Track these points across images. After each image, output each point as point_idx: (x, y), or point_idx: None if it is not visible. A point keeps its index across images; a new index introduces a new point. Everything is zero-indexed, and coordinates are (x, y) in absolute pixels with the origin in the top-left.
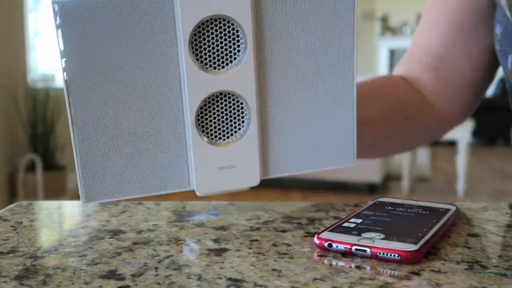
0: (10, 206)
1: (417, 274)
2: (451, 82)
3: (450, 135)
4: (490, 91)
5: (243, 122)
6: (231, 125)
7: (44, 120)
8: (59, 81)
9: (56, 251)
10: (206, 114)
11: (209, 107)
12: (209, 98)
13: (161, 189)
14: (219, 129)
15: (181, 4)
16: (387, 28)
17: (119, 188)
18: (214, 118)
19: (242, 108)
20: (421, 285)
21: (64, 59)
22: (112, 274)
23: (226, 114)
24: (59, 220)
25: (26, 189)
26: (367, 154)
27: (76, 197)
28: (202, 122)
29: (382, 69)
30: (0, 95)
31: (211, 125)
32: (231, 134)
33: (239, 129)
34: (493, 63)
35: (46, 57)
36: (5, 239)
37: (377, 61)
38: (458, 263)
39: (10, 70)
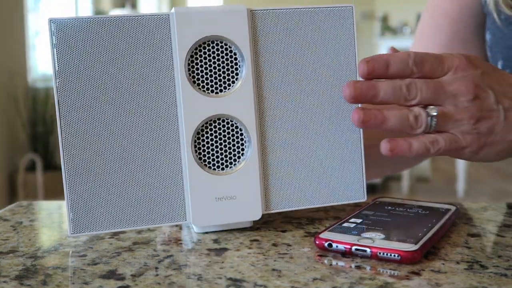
0: (10, 206)
1: (417, 274)
2: None
3: None
4: None
5: (242, 150)
6: (229, 153)
7: (44, 120)
8: None
9: (56, 251)
10: (203, 141)
11: (207, 132)
12: (206, 123)
13: (154, 222)
14: (217, 156)
15: (178, 24)
16: (387, 28)
17: (108, 220)
18: (212, 145)
19: (241, 134)
20: (421, 285)
21: (58, 80)
22: (112, 274)
23: (225, 141)
24: (59, 220)
25: (26, 189)
26: (375, 176)
27: None
28: (199, 149)
29: None
30: (0, 95)
31: (208, 152)
32: (230, 163)
33: (239, 157)
34: None
35: (46, 57)
36: (5, 239)
37: None
38: (458, 263)
39: (10, 70)
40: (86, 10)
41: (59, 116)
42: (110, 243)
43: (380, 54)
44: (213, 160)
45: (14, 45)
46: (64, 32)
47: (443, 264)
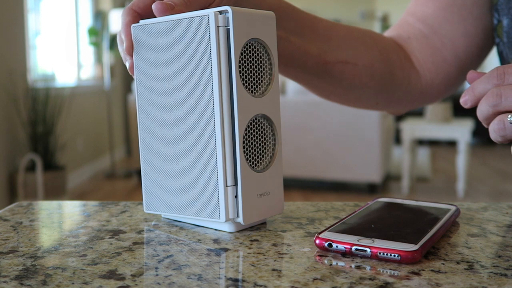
0: (10, 206)
1: (417, 274)
2: (441, 55)
3: (450, 135)
4: None
5: (274, 147)
6: (264, 150)
7: (44, 120)
8: (59, 81)
9: (56, 251)
10: (247, 140)
11: (250, 132)
12: (249, 123)
13: (202, 216)
14: (255, 155)
15: (234, 24)
16: (387, 28)
17: (167, 205)
18: (252, 143)
19: (273, 133)
20: (421, 285)
21: (136, 76)
22: (112, 274)
23: (261, 140)
24: (59, 220)
25: (26, 189)
26: (338, 97)
27: (76, 197)
28: (244, 148)
29: None
30: (0, 95)
31: (250, 151)
32: (266, 160)
33: (271, 154)
34: (486, 47)
35: (46, 57)
36: (5, 239)
37: None
38: (458, 263)
39: (10, 70)
40: (86, 10)
41: (138, 110)
42: (110, 243)
43: (467, 89)
44: (255, 158)
45: (14, 45)
46: (137, 36)
47: (443, 264)
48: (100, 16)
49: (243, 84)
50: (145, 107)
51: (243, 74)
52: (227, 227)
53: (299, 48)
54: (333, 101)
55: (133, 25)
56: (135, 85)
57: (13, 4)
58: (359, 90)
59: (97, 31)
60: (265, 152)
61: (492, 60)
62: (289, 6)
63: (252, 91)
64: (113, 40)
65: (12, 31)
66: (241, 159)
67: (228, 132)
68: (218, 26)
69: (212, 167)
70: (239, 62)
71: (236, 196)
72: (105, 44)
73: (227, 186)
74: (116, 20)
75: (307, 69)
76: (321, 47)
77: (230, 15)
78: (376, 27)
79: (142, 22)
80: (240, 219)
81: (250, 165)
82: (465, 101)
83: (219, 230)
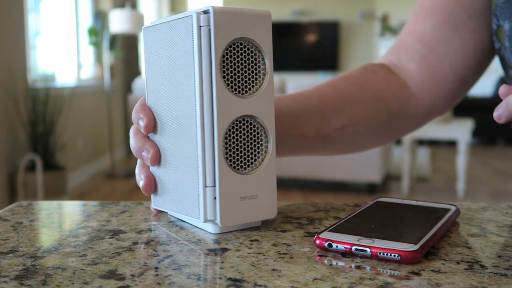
0: (10, 206)
1: (417, 274)
2: (440, 74)
3: (450, 135)
4: (490, 91)
5: (264, 149)
6: (252, 153)
7: (44, 120)
8: (59, 81)
9: (56, 251)
10: (230, 141)
11: (233, 132)
12: (233, 123)
13: (187, 214)
14: (241, 156)
15: (215, 24)
16: (387, 28)
17: (165, 203)
18: (237, 145)
19: (262, 134)
20: (421, 285)
21: (144, 67)
22: (112, 274)
23: (248, 141)
24: (59, 220)
25: (26, 189)
26: (346, 152)
27: (76, 197)
28: (226, 149)
29: None
30: (0, 95)
31: (234, 152)
32: (252, 162)
33: (260, 157)
34: (485, 58)
35: (46, 57)
36: (5, 239)
37: None
38: (458, 263)
39: (10, 70)
40: (86, 10)
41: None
42: (110, 243)
43: (501, 104)
44: (239, 160)
45: (14, 45)
46: (145, 36)
47: (443, 264)
48: (100, 16)
49: (228, 84)
50: (151, 105)
51: (228, 74)
52: (211, 228)
53: (298, 136)
54: (338, 155)
55: (144, 26)
56: (145, 84)
57: (13, 4)
58: (364, 141)
59: (97, 31)
60: (254, 154)
61: (493, 65)
62: (278, 101)
63: (239, 92)
64: (113, 40)
65: (12, 31)
66: (219, 160)
67: (208, 133)
68: (200, 26)
69: (194, 167)
70: (223, 61)
71: (215, 198)
72: (105, 44)
73: (206, 186)
74: (116, 20)
75: (309, 147)
76: (317, 124)
77: (211, 14)
78: (376, 27)
79: (151, 22)
80: (218, 221)
81: (235, 167)
82: (499, 116)
83: (206, 231)
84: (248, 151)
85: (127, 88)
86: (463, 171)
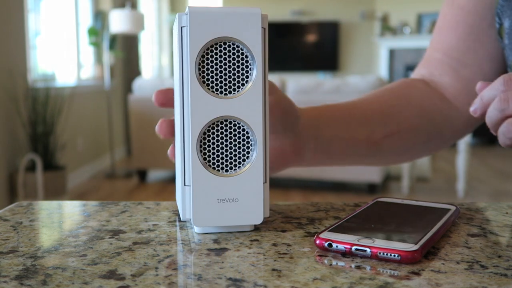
0: (10, 206)
1: (417, 274)
2: (474, 85)
3: None
4: None
5: (248, 152)
6: (235, 155)
7: (44, 120)
8: (59, 80)
9: (56, 251)
10: (209, 141)
11: (213, 133)
12: (213, 123)
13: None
14: (222, 158)
15: (191, 25)
16: (387, 28)
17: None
18: (217, 146)
19: (248, 137)
20: (421, 285)
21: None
22: (112, 274)
23: (231, 143)
24: (59, 220)
25: (26, 189)
26: (392, 163)
27: (76, 197)
28: (204, 149)
29: (382, 69)
30: (0, 95)
31: (213, 153)
32: (235, 165)
33: (244, 160)
34: None
35: (46, 57)
36: (5, 239)
37: (377, 61)
38: (458, 263)
39: (10, 70)
40: (86, 10)
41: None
42: (110, 243)
43: (476, 99)
44: (218, 161)
45: (14, 45)
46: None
47: (443, 264)
48: (100, 16)
49: (207, 84)
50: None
51: (207, 74)
52: (195, 228)
53: (349, 140)
54: (389, 165)
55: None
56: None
57: (13, 4)
58: (409, 151)
59: (97, 31)
60: (237, 157)
61: None
62: (326, 108)
63: (221, 92)
64: (113, 40)
65: (12, 31)
66: (193, 160)
67: (187, 132)
68: (182, 27)
69: (179, 166)
70: (203, 61)
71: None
72: (105, 44)
73: (185, 185)
74: (116, 20)
75: (360, 154)
76: (366, 130)
77: (188, 14)
78: (376, 27)
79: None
80: (192, 221)
81: (214, 168)
82: (474, 110)
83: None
84: (231, 152)
85: (127, 88)
86: (463, 171)
